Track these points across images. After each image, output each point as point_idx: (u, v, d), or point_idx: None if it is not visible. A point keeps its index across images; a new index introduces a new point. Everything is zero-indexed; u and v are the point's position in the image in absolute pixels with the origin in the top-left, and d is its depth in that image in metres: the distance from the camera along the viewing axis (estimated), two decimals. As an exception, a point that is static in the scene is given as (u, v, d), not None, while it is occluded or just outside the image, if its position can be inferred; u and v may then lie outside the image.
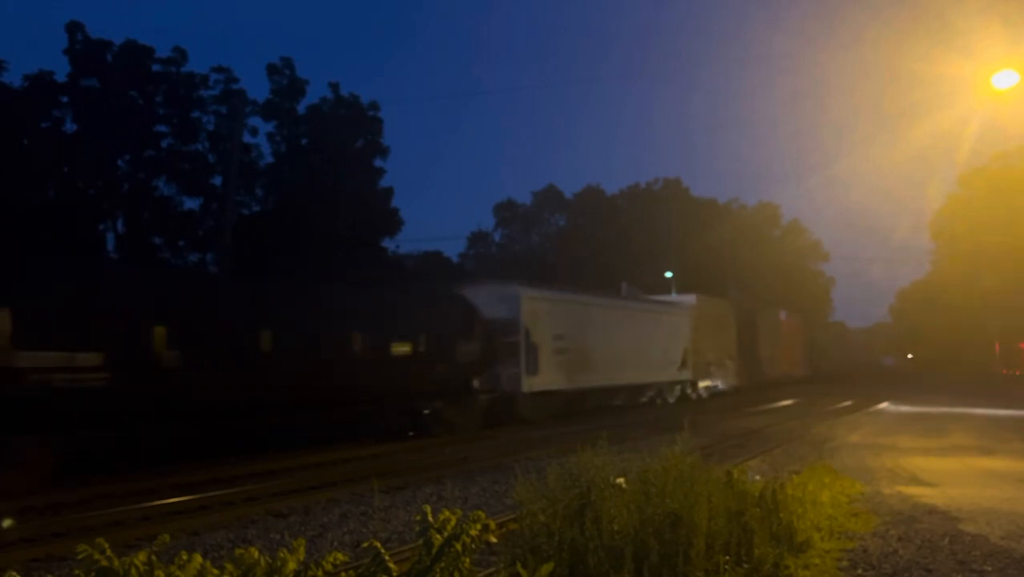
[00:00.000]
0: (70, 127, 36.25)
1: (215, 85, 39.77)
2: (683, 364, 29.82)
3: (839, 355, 63.20)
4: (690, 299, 32.67)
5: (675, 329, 29.63)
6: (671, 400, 29.21)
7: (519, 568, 4.75)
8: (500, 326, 20.12)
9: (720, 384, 33.72)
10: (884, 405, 28.51)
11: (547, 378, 21.53)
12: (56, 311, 10.90)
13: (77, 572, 3.89)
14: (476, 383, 19.30)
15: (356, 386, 15.75)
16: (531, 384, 20.84)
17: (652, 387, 28.08)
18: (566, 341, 22.42)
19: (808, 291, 70.39)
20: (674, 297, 33.17)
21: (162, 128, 38.49)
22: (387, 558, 4.13)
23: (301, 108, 42.23)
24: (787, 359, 45.05)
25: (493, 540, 5.78)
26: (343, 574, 5.08)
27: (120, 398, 11.42)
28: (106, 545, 3.76)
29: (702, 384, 31.88)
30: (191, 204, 39.20)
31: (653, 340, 27.66)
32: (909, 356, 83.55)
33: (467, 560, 4.32)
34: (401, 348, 16.85)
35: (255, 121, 41.11)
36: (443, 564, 4.22)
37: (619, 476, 6.63)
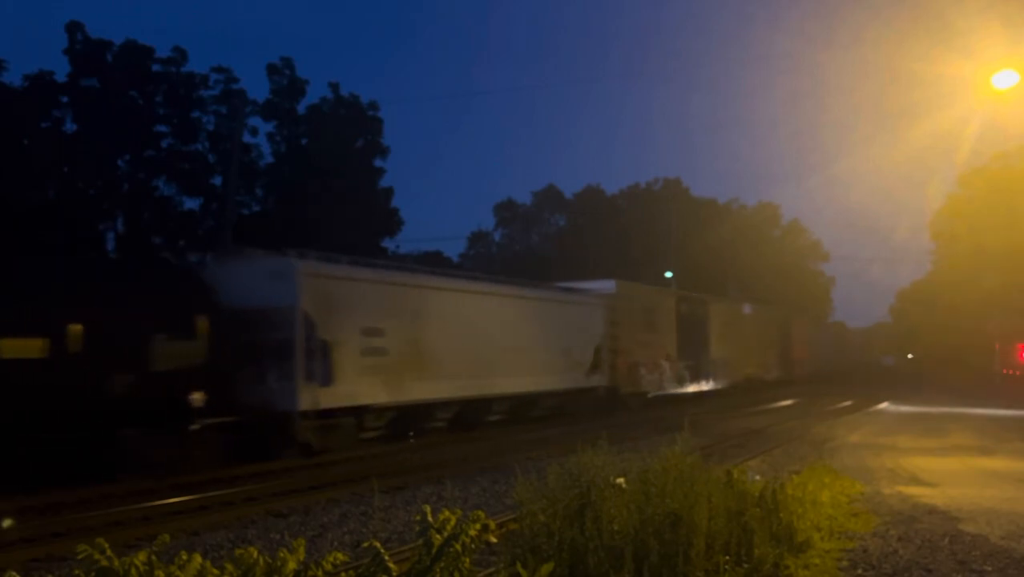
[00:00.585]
0: (70, 127, 36.29)
1: (215, 85, 39.81)
2: (595, 366, 23.79)
3: (839, 355, 62.36)
4: (607, 286, 26.03)
5: (582, 323, 23.47)
6: (582, 410, 23.23)
7: (519, 568, 4.75)
8: (264, 317, 14.18)
9: (652, 390, 27.41)
10: (884, 405, 28.52)
11: (350, 389, 15.18)
12: None
13: (77, 572, 3.89)
14: (200, 400, 12.93)
15: None
16: (317, 398, 14.41)
17: (547, 396, 21.84)
18: (388, 338, 16.25)
19: (808, 291, 70.43)
20: (584, 284, 25.99)
21: (162, 128, 38.54)
22: (387, 558, 4.13)
23: (301, 108, 42.31)
24: (753, 360, 38.21)
25: (493, 540, 5.78)
26: (343, 574, 5.08)
27: None
28: (106, 545, 3.76)
29: (626, 390, 25.75)
30: (191, 204, 39.27)
31: (546, 337, 21.47)
32: (909, 356, 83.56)
33: (467, 560, 4.32)
34: (21, 347, 11.37)
35: (255, 121, 41.16)
36: (443, 564, 4.22)
37: (619, 476, 6.64)
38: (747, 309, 39.42)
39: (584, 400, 23.55)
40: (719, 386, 33.11)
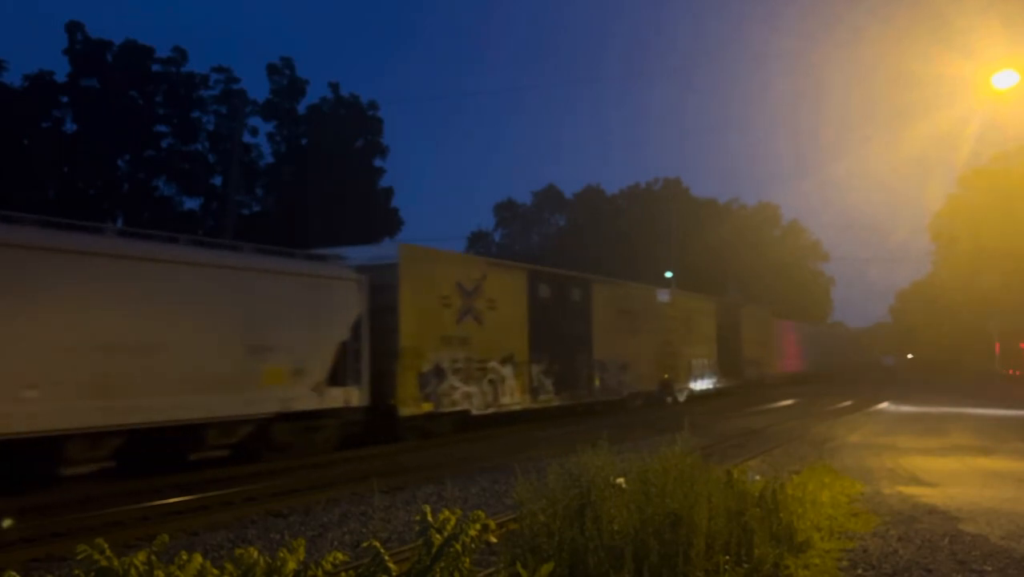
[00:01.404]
0: (70, 127, 36.36)
1: (215, 85, 39.93)
2: (336, 376, 14.99)
3: (838, 355, 62.36)
4: (382, 253, 17.35)
5: (307, 308, 14.61)
6: (311, 446, 14.69)
7: (519, 568, 4.75)
8: None
9: (475, 407, 18.69)
10: (884, 405, 28.52)
11: None
12: None
13: (77, 572, 3.89)
14: None
15: None
16: None
17: (221, 427, 13.04)
18: None
19: (808, 291, 70.55)
20: (346, 250, 16.80)
21: (162, 128, 38.64)
22: (387, 558, 4.13)
23: (301, 108, 42.43)
24: (673, 362, 29.16)
25: (493, 540, 5.79)
26: (343, 574, 5.09)
27: None
28: (106, 545, 3.76)
29: (412, 411, 16.78)
30: (191, 204, 39.42)
31: (213, 328, 12.95)
32: (909, 356, 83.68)
33: (467, 560, 4.32)
34: None
35: (255, 121, 41.30)
36: (443, 564, 4.23)
37: (619, 476, 6.64)
38: (663, 296, 29.89)
39: (315, 430, 14.81)
40: (611, 397, 24.53)
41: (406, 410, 16.66)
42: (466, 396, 18.49)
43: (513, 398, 20.15)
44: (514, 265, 22.80)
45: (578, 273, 25.53)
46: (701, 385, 31.72)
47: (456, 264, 19.38)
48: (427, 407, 17.24)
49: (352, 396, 15.41)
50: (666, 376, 28.46)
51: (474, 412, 18.74)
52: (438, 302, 17.87)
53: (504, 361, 19.91)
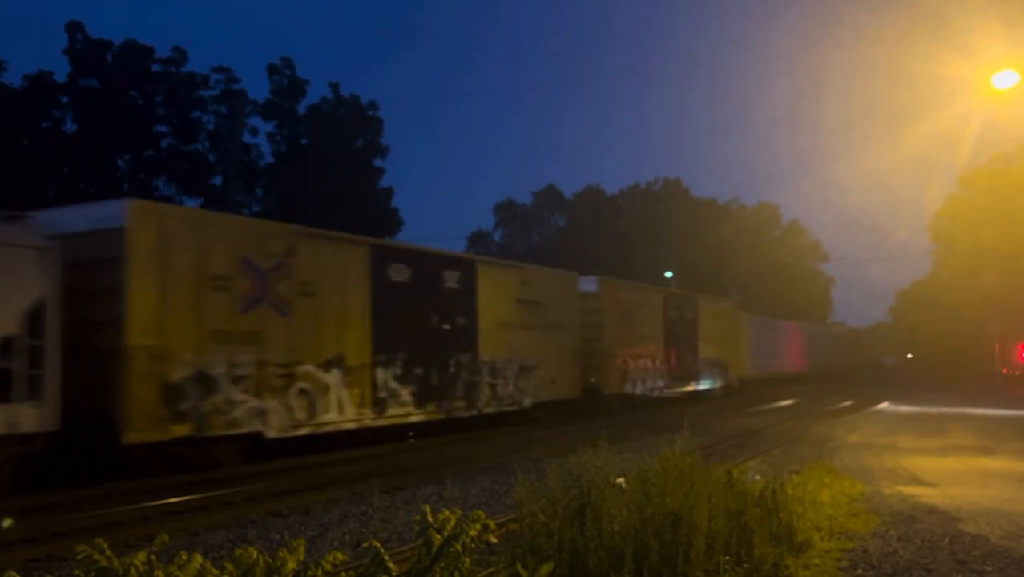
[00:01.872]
0: (70, 127, 36.39)
1: (215, 85, 39.97)
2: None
3: (838, 355, 62.24)
4: (102, 215, 12.07)
5: None
6: None
7: (519, 568, 4.75)
8: None
9: (275, 427, 13.67)
10: (884, 405, 28.53)
11: None
12: None
13: (77, 572, 3.89)
14: None
15: None
16: None
17: None
18: None
19: (808, 291, 70.58)
20: (35, 214, 11.43)
21: (162, 128, 38.68)
22: (387, 558, 4.13)
23: (301, 108, 42.46)
24: (604, 364, 24.34)
25: (493, 540, 5.80)
26: (343, 574, 5.09)
27: None
28: (105, 545, 3.76)
29: (151, 435, 11.70)
30: (191, 204, 39.40)
31: None
32: (909, 356, 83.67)
33: (467, 560, 4.32)
34: None
35: (255, 121, 41.36)
36: (443, 564, 4.23)
37: (619, 476, 6.65)
38: (588, 284, 24.51)
39: None
40: (505, 408, 19.82)
41: (137, 435, 11.52)
42: (256, 413, 13.36)
43: (343, 414, 15.19)
44: (346, 237, 16.33)
45: (453, 252, 20.71)
46: (642, 390, 26.83)
47: (242, 233, 13.67)
48: (181, 430, 12.13)
49: (23, 417, 10.34)
50: (593, 381, 23.92)
51: (271, 434, 13.62)
52: (206, 284, 12.78)
53: (328, 365, 14.90)
